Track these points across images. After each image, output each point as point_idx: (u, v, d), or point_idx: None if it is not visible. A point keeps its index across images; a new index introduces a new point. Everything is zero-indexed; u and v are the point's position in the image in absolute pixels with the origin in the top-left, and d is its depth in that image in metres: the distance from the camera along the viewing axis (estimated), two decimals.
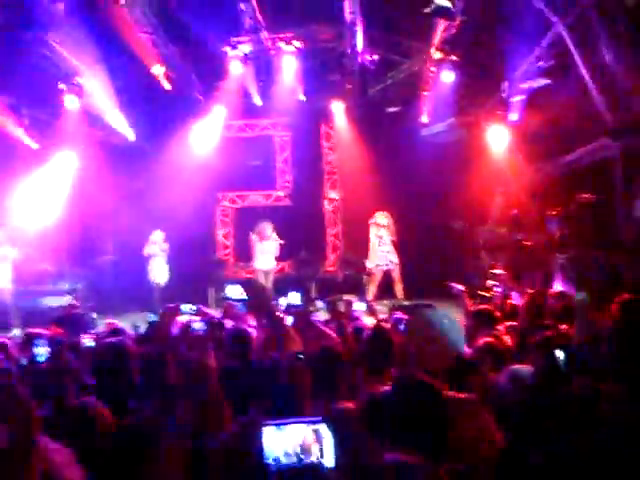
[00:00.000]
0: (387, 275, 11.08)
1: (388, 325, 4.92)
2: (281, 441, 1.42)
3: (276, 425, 1.44)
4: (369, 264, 11.21)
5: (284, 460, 1.43)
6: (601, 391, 2.53)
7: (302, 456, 1.40)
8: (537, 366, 2.32)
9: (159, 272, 11.36)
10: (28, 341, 4.74)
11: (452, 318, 3.60)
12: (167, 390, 2.95)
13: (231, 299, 6.26)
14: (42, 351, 3.69)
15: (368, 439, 1.44)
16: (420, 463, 1.52)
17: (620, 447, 1.87)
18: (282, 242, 11.37)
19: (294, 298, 4.87)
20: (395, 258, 10.94)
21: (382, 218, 10.94)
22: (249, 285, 5.18)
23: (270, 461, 1.43)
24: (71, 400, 2.94)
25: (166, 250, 11.63)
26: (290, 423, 1.45)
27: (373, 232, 11.05)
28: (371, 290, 11.06)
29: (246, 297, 5.80)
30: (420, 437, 2.13)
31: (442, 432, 2.17)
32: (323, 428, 1.44)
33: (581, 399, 2.35)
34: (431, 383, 2.31)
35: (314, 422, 1.45)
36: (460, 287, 5.40)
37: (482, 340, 3.54)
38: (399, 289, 10.99)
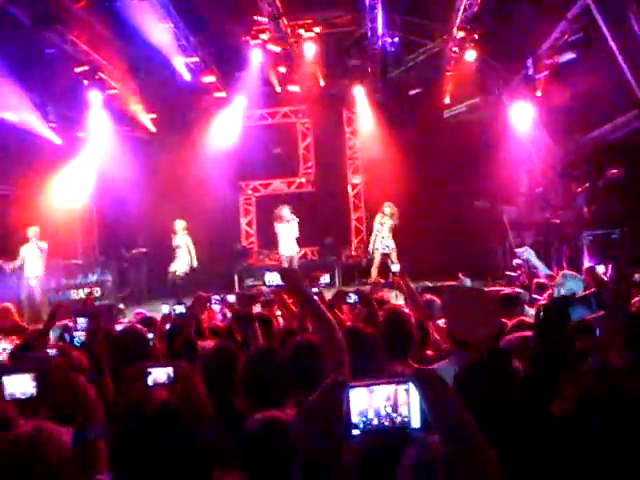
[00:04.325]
0: (385, 257, 11.52)
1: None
2: (370, 402, 1.42)
3: (365, 386, 1.44)
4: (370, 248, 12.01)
5: (372, 421, 1.43)
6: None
7: (390, 417, 1.39)
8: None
9: (181, 262, 11.22)
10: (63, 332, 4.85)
11: (484, 292, 3.57)
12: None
13: (270, 285, 6.39)
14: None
15: (457, 400, 1.40)
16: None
17: None
18: (297, 220, 11.45)
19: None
20: (392, 243, 11.48)
21: (386, 207, 11.52)
22: (286, 271, 5.24)
23: (358, 422, 1.43)
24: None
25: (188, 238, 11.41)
26: (378, 384, 1.44)
27: (377, 220, 11.62)
28: (373, 272, 11.42)
29: (283, 283, 5.84)
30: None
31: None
32: (411, 388, 1.44)
33: None
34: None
35: (403, 382, 1.44)
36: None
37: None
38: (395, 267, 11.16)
